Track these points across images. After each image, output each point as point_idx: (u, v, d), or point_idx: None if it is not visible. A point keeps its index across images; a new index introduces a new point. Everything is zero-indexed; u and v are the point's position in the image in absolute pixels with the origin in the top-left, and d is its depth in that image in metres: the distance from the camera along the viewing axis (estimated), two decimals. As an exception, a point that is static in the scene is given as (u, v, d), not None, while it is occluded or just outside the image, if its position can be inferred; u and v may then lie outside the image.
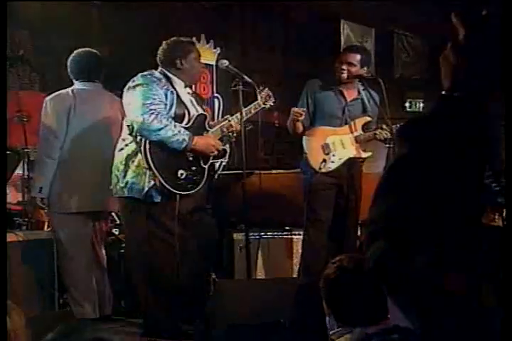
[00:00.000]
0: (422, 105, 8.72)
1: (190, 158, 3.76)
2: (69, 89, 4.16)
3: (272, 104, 4.19)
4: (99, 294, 4.18)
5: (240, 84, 3.94)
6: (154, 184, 3.62)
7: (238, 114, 3.95)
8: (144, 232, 3.74)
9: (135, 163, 3.67)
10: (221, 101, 6.81)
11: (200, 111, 3.93)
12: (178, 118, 3.72)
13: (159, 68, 3.86)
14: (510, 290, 1.01)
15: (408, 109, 8.76)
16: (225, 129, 3.92)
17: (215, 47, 6.95)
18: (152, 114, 3.55)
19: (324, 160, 4.43)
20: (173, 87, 3.77)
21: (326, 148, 4.49)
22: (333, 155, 4.48)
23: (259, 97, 4.10)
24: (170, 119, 3.64)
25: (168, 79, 3.79)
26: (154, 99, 3.61)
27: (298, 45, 7.74)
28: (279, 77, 7.38)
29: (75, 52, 4.24)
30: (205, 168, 3.82)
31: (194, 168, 3.77)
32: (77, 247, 4.12)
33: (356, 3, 7.72)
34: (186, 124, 3.76)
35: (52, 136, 4.04)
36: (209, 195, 4.11)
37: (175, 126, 3.63)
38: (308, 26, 7.72)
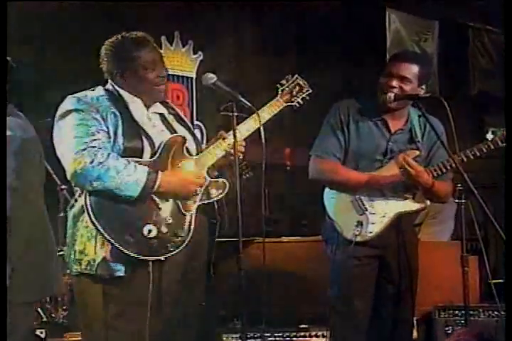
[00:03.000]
0: (514, 137, 8.60)
1: (161, 206, 3.78)
2: None
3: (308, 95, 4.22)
4: None
5: (233, 108, 3.91)
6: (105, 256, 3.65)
7: (254, 117, 3.98)
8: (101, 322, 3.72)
9: (83, 224, 3.73)
10: (204, 132, 6.85)
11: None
12: (133, 151, 3.77)
13: (109, 82, 3.95)
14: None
15: (491, 143, 8.70)
16: (220, 151, 3.96)
17: (195, 52, 7.09)
18: (84, 150, 3.63)
19: (360, 223, 4.43)
20: (124, 107, 3.85)
21: (359, 205, 4.50)
22: (372, 214, 4.47)
23: (285, 87, 4.16)
24: (113, 154, 3.70)
25: (116, 96, 3.89)
26: (90, 128, 3.70)
27: (319, 47, 7.83)
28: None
29: None
30: (186, 216, 3.84)
31: (170, 220, 3.79)
32: None
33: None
34: (151, 158, 3.80)
35: None
36: (211, 256, 4.05)
37: (125, 162, 3.69)
38: (333, 16, 7.84)
